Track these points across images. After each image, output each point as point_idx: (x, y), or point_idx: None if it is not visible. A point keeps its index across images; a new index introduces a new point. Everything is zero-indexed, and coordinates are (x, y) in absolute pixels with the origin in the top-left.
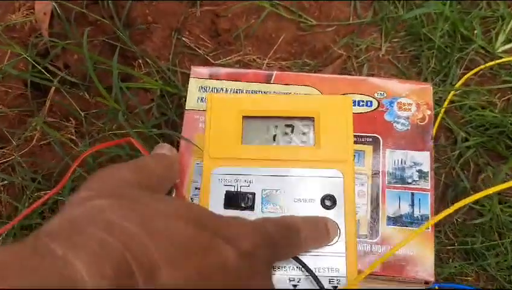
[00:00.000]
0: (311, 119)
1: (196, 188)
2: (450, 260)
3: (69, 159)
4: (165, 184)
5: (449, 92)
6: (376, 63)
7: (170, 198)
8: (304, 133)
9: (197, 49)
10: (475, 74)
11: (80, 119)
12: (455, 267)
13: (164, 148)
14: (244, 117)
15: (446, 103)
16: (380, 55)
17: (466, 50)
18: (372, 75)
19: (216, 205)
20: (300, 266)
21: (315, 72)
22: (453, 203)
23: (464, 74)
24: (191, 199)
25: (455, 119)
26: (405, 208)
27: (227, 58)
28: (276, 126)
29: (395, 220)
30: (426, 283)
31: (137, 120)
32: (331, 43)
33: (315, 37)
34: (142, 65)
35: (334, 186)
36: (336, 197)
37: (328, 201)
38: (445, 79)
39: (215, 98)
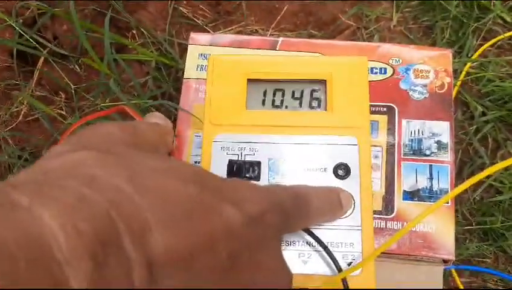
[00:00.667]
0: (323, 82)
1: (196, 162)
2: (467, 241)
3: (58, 135)
4: (158, 152)
5: (465, 64)
6: (387, 34)
7: (167, 156)
8: (314, 98)
9: (195, 19)
10: (493, 45)
11: (70, 93)
12: (472, 248)
13: (156, 117)
14: (249, 80)
15: (462, 74)
16: (391, 26)
17: (483, 20)
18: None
19: (219, 175)
20: (311, 241)
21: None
22: (458, 178)
23: (481, 45)
24: None
25: (472, 93)
26: (423, 182)
27: (228, 29)
28: (284, 90)
29: (411, 195)
30: (445, 262)
31: (131, 93)
32: (339, 13)
33: (322, 7)
34: (136, 36)
35: (348, 154)
36: (350, 166)
37: (342, 170)
38: (460, 51)
39: (217, 60)
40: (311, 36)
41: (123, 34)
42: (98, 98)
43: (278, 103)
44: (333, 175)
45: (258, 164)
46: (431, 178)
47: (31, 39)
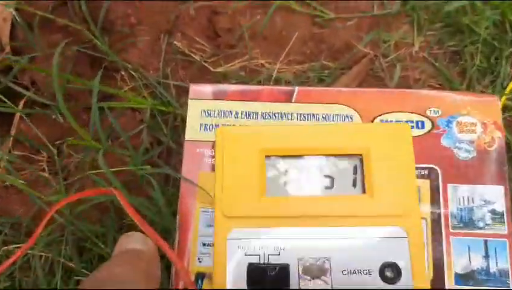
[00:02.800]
0: (359, 157)
1: (204, 244)
2: None
3: (42, 203)
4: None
5: (501, 96)
6: (409, 63)
7: None
8: (349, 178)
9: (192, 54)
10: None
11: (53, 151)
12: None
13: (134, 240)
14: (268, 157)
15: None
16: (413, 52)
17: None
18: (418, 85)
19: (237, 283)
20: None
21: (343, 87)
22: None
23: None
24: (199, 259)
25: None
26: (478, 261)
27: (230, 65)
28: (311, 169)
29: (465, 278)
30: None
31: (123, 146)
32: (354, 39)
33: (334, 33)
34: (126, 79)
35: (396, 250)
36: (400, 265)
37: (390, 272)
38: (494, 79)
39: (226, 132)
40: (324, 68)
41: (111, 76)
42: (86, 158)
43: (304, 184)
44: (379, 278)
45: (286, 268)
46: (487, 256)
47: (5, 92)
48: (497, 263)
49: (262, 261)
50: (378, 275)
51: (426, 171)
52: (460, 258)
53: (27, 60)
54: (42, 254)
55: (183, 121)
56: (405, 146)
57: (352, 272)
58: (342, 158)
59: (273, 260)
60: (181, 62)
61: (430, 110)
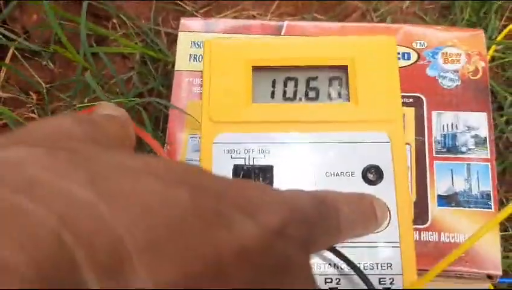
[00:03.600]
0: (344, 68)
1: None
2: (503, 249)
3: None
4: (124, 149)
5: (489, 47)
6: (400, 16)
7: (140, 154)
8: (334, 87)
9: (184, 5)
10: None
11: (43, 93)
12: (508, 257)
13: (107, 108)
14: (255, 68)
15: (487, 59)
16: (404, 7)
17: None
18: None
19: None
20: (339, 263)
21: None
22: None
23: (505, 26)
24: None
25: (498, 80)
26: (460, 184)
27: (221, 15)
28: (297, 78)
29: (448, 200)
30: (490, 277)
31: (114, 92)
32: None
33: None
34: (117, 26)
35: (379, 154)
36: (382, 168)
37: (372, 174)
38: None
39: (215, 44)
40: (315, 20)
41: (103, 24)
42: (75, 98)
43: (290, 94)
44: (362, 180)
45: (270, 168)
46: (469, 179)
47: None
48: (479, 185)
49: (247, 163)
50: (361, 177)
51: (411, 100)
52: (443, 181)
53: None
54: None
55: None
56: (389, 57)
57: (335, 174)
58: (327, 69)
59: (258, 163)
60: (172, 12)
61: (416, 43)
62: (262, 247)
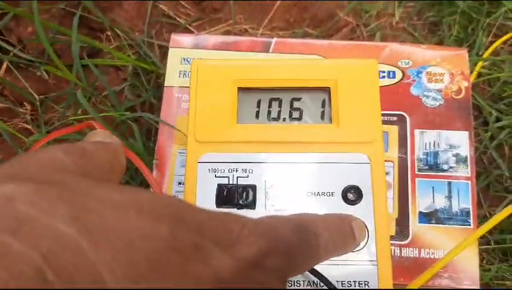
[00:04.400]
0: (326, 90)
1: (180, 183)
2: (485, 262)
3: (23, 152)
4: (113, 177)
5: (476, 63)
6: (389, 32)
7: (127, 187)
8: (317, 108)
9: (177, 18)
10: (505, 42)
11: (37, 104)
12: (491, 270)
13: (99, 135)
14: (240, 89)
15: (474, 75)
16: (394, 23)
17: (494, 15)
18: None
19: (205, 203)
20: (317, 281)
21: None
22: (486, 194)
23: (492, 42)
24: (174, 196)
25: (484, 96)
26: (441, 201)
27: (214, 29)
28: (281, 99)
29: (428, 217)
30: None
31: (106, 104)
32: (336, 9)
33: (317, 2)
34: (111, 38)
35: (358, 175)
36: (361, 188)
37: (352, 194)
38: (470, 50)
39: (202, 65)
40: (306, 35)
41: (96, 36)
42: (68, 109)
43: (274, 115)
44: (342, 200)
45: (253, 188)
46: (450, 197)
47: None
48: (459, 203)
49: (231, 183)
50: (341, 197)
51: (395, 118)
52: (425, 199)
53: (13, 14)
54: None
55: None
56: (371, 80)
57: (316, 193)
58: (311, 91)
59: (242, 182)
60: (166, 25)
61: (402, 62)
62: (238, 278)
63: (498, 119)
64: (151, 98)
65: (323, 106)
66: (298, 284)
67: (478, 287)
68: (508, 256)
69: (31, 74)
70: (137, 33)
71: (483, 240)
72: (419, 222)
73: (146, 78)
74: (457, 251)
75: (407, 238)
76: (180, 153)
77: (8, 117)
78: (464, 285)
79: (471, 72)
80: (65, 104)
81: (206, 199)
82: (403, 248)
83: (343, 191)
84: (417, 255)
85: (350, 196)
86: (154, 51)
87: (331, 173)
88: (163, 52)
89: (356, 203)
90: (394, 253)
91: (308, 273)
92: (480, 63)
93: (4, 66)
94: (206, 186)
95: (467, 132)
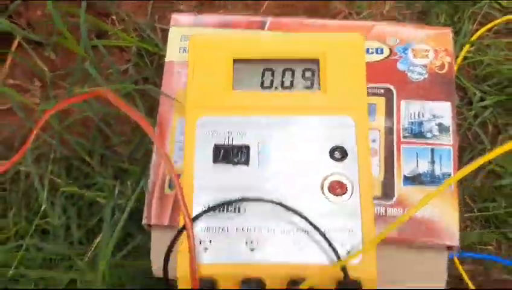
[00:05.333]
0: (316, 61)
1: (181, 150)
2: (468, 229)
3: (33, 124)
4: None
5: (462, 47)
6: (380, 19)
7: None
8: (307, 78)
9: (178, 4)
10: (489, 30)
11: (46, 81)
12: (474, 235)
13: None
14: (235, 61)
15: (460, 59)
16: (385, 11)
17: (479, 4)
18: None
19: (203, 161)
20: (307, 228)
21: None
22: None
23: (477, 30)
24: (175, 161)
25: (469, 78)
26: (424, 166)
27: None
28: (274, 70)
29: (412, 180)
30: (449, 248)
31: (111, 82)
32: None
33: None
34: (116, 22)
35: (344, 136)
36: (346, 148)
37: (338, 152)
38: (456, 38)
39: (199, 39)
40: None
41: (102, 20)
42: (75, 85)
43: (267, 83)
44: (329, 158)
45: (247, 148)
46: (433, 162)
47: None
48: (441, 167)
49: (226, 143)
50: (328, 156)
51: (382, 90)
52: (409, 164)
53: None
54: (30, 170)
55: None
56: (358, 52)
57: (306, 152)
58: (301, 62)
59: (236, 142)
60: (168, 10)
61: (390, 39)
62: None
63: (482, 99)
64: (154, 78)
65: (312, 75)
66: (289, 232)
67: (457, 244)
68: (490, 223)
69: (39, 55)
70: (141, 17)
71: (467, 208)
72: (404, 185)
73: (149, 59)
74: (432, 196)
75: (392, 199)
76: (180, 121)
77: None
78: (444, 242)
79: (457, 57)
80: (72, 79)
81: (204, 158)
82: (388, 208)
83: (330, 150)
84: (402, 214)
85: (336, 154)
86: (157, 34)
87: (319, 134)
88: (166, 35)
89: (342, 161)
90: (380, 213)
91: (300, 220)
92: (466, 47)
93: (15, 43)
94: (203, 147)
95: (449, 103)
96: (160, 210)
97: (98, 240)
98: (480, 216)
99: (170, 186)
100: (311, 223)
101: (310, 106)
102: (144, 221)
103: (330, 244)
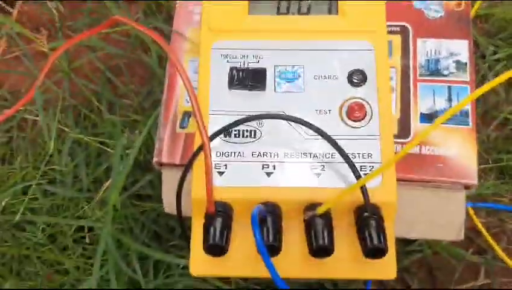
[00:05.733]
0: None
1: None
2: (482, 180)
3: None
4: None
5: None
6: None
7: None
8: (324, 4)
9: None
10: None
11: (53, 30)
12: (488, 187)
13: None
14: None
15: (473, 12)
16: None
17: None
18: None
19: (219, 85)
20: (323, 152)
21: None
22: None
23: None
24: (186, 100)
25: (481, 33)
26: (441, 103)
27: None
28: None
29: (429, 117)
30: (467, 187)
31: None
32: None
33: None
34: None
35: (363, 60)
36: (365, 72)
37: (357, 77)
38: None
39: None
40: None
41: None
42: (84, 28)
43: (283, 10)
44: (347, 82)
45: (263, 71)
46: (450, 99)
47: None
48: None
49: (242, 66)
50: (346, 80)
51: (398, 28)
52: (426, 101)
53: None
54: (37, 118)
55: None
56: None
57: (323, 77)
58: None
59: (252, 66)
60: None
61: None
62: None
63: (494, 53)
64: (163, 25)
65: (330, 1)
66: (306, 156)
67: (476, 182)
68: (505, 175)
69: (47, 7)
70: None
71: (482, 161)
72: (420, 122)
73: (158, 11)
74: (447, 116)
75: (409, 136)
76: (191, 61)
77: (26, 43)
78: (462, 180)
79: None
80: (81, 23)
81: (219, 82)
82: (404, 146)
83: (348, 74)
84: (418, 152)
85: (355, 78)
86: None
87: (337, 58)
88: None
89: (361, 86)
90: (396, 150)
91: (317, 141)
92: (477, 4)
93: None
94: (219, 71)
95: (467, 41)
96: (172, 149)
97: (107, 184)
98: (495, 168)
99: (181, 126)
100: (334, 144)
101: (328, 30)
102: (155, 159)
103: (349, 163)
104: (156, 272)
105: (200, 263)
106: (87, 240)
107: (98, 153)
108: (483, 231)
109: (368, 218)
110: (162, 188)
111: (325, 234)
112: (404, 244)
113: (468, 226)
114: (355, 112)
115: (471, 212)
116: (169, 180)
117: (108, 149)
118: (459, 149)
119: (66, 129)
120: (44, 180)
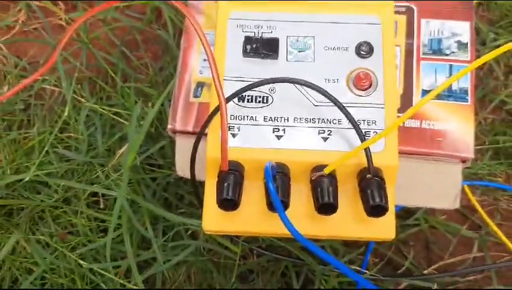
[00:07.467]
0: None
1: (205, 60)
2: (479, 161)
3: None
4: None
5: None
6: None
7: None
8: None
9: None
10: None
11: (71, 4)
12: (483, 167)
13: None
14: None
15: (475, 3)
16: None
17: None
18: None
19: (234, 54)
20: (330, 117)
21: None
22: (482, 103)
23: None
24: (200, 72)
25: (483, 20)
26: (442, 81)
27: None
28: None
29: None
30: (463, 161)
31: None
32: None
33: None
34: None
35: (371, 33)
36: (372, 44)
37: (364, 49)
38: None
39: None
40: None
41: None
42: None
43: None
44: (355, 54)
45: (276, 41)
46: (450, 77)
47: None
48: (458, 82)
49: (256, 36)
50: (354, 51)
51: (404, 9)
52: (428, 78)
53: None
54: (55, 88)
55: None
56: None
57: (332, 48)
58: None
59: (266, 36)
60: None
61: None
62: None
63: (495, 40)
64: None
65: None
66: (314, 121)
67: (472, 156)
68: (500, 155)
69: None
70: None
71: (478, 142)
72: (422, 96)
73: None
74: (445, 85)
75: None
76: (206, 34)
77: (45, 16)
78: (459, 153)
79: None
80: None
81: (234, 50)
82: (407, 120)
83: (356, 45)
84: (419, 126)
85: (363, 50)
86: None
87: (346, 31)
88: None
89: (367, 57)
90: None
91: (323, 107)
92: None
93: None
94: (234, 40)
95: (469, 23)
96: (185, 117)
97: (120, 151)
98: (491, 149)
99: (195, 95)
100: (342, 109)
101: (339, 4)
102: (169, 126)
103: (355, 126)
104: (165, 237)
105: (212, 219)
106: (101, 205)
107: (111, 124)
108: (478, 207)
109: (370, 179)
110: (176, 154)
111: (330, 191)
112: (402, 219)
113: (464, 204)
114: (361, 81)
115: (468, 190)
116: (182, 146)
117: (121, 120)
118: (457, 124)
119: (81, 100)
120: (61, 145)
